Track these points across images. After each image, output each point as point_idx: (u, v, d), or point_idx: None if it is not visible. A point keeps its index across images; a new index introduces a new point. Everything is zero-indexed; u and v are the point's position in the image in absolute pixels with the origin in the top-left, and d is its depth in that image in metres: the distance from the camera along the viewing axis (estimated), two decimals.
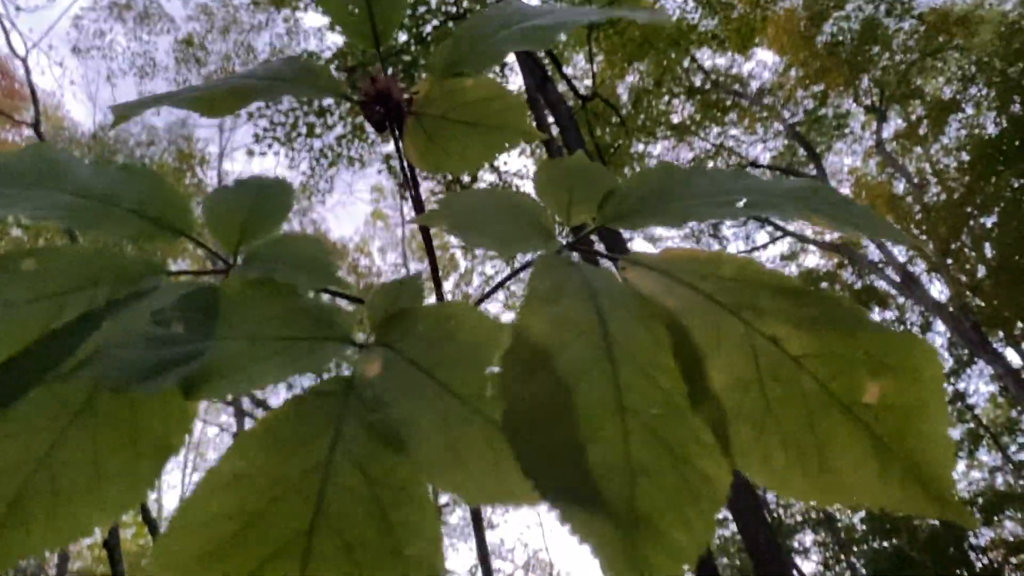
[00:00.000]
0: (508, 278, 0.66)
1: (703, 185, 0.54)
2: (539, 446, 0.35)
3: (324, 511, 0.38)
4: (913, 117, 18.53)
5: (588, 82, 15.83)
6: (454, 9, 12.45)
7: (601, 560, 0.33)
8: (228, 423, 18.60)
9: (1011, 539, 18.71)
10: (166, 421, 0.55)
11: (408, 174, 0.69)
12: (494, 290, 0.68)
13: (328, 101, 13.16)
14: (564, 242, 0.59)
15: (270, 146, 13.20)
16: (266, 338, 0.49)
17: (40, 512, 0.50)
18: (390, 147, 15.04)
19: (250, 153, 14.58)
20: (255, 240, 0.76)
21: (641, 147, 18.22)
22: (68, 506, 0.51)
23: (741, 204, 0.48)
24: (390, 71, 0.67)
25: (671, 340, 0.41)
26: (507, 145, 0.68)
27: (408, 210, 22.38)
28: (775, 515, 20.83)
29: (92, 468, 0.52)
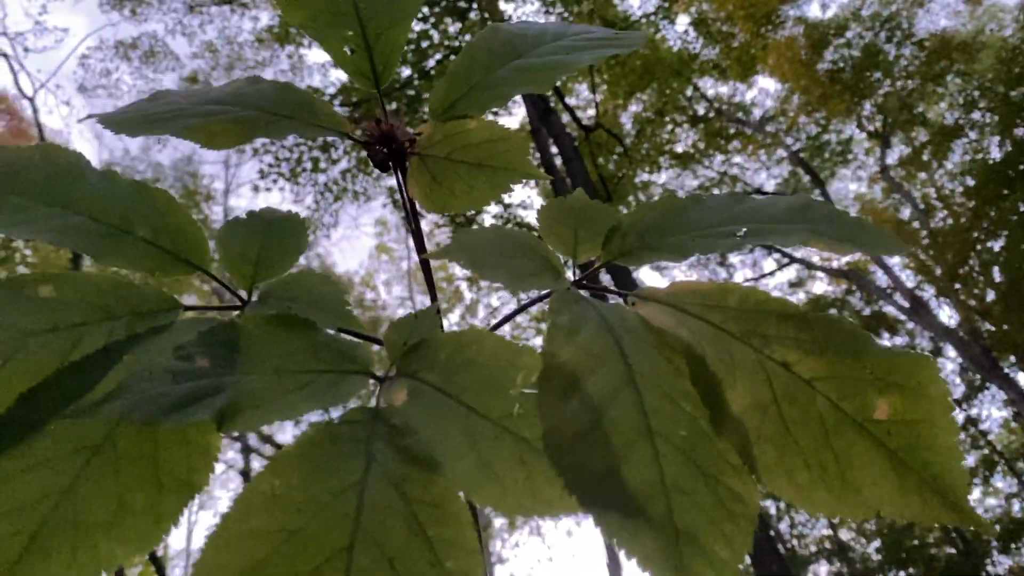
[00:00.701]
0: (518, 311, 0.68)
1: (702, 216, 0.57)
2: (578, 464, 0.37)
3: (363, 528, 0.40)
4: (917, 143, 18.57)
5: (591, 112, 15.95)
6: (457, 43, 12.58)
7: (650, 573, 0.35)
8: (234, 459, 18.50)
9: None
10: (189, 458, 0.57)
11: (411, 212, 0.71)
12: (505, 321, 0.70)
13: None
14: (572, 279, 0.61)
15: (275, 181, 13.31)
16: (291, 371, 0.51)
17: (62, 545, 0.51)
18: (394, 181, 15.10)
19: (256, 189, 14.68)
20: (269, 276, 0.77)
21: (645, 176, 18.29)
22: (90, 540, 0.52)
23: (741, 234, 0.50)
24: (394, 106, 0.68)
25: (688, 369, 0.44)
26: (511, 185, 0.70)
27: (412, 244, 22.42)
28: (789, 546, 20.58)
29: (115, 503, 0.53)
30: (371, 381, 0.53)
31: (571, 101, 16.47)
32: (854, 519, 0.42)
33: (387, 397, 0.51)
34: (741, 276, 22.39)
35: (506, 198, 15.40)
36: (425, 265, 0.69)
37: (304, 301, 0.71)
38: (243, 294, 0.76)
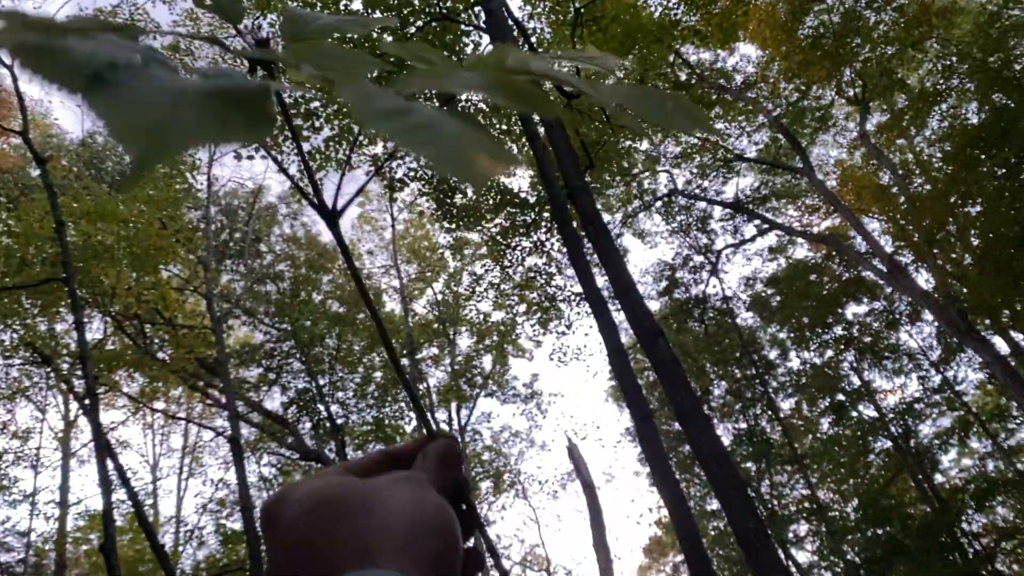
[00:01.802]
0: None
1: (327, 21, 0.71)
2: None
3: None
4: (896, 108, 18.69)
5: None
6: (438, 10, 12.55)
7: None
8: (223, 427, 18.58)
9: (1003, 525, 18.93)
10: None
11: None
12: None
13: (315, 104, 13.24)
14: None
15: (257, 150, 13.28)
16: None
17: None
18: (379, 149, 15.09)
19: (238, 157, 14.65)
20: None
21: (628, 143, 18.36)
22: None
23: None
24: None
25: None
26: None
27: (396, 212, 22.31)
28: (769, 507, 21.00)
29: None
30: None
31: None
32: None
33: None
34: (722, 242, 22.62)
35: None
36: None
37: None
38: None
